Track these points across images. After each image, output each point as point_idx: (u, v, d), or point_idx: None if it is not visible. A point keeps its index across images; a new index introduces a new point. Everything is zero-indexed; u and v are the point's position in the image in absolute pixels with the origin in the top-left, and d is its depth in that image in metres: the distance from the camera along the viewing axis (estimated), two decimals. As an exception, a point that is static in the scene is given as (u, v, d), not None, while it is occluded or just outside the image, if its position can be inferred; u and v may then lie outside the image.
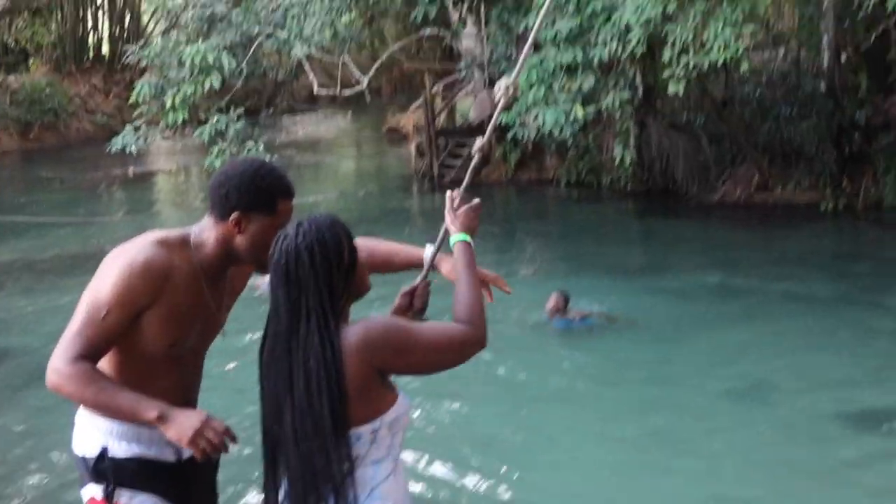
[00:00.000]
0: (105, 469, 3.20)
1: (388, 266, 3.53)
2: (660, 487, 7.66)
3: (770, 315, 11.86)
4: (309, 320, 2.88)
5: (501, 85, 3.66)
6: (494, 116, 3.72)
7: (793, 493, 7.48)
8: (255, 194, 3.14)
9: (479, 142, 3.65)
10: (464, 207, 3.31)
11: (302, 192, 23.42)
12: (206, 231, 3.22)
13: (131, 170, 27.45)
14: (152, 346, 3.17)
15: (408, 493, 3.15)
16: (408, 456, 7.87)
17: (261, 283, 12.29)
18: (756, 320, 11.65)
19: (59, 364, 3.02)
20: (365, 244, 3.40)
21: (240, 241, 3.18)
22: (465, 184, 3.52)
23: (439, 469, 8.06)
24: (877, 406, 8.98)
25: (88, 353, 3.04)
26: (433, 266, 3.52)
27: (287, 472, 2.99)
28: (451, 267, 3.42)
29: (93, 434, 3.23)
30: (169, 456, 3.27)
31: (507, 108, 17.58)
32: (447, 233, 3.33)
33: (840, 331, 11.20)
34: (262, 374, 3.03)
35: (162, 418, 2.98)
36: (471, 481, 7.96)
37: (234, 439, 3.04)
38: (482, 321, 3.06)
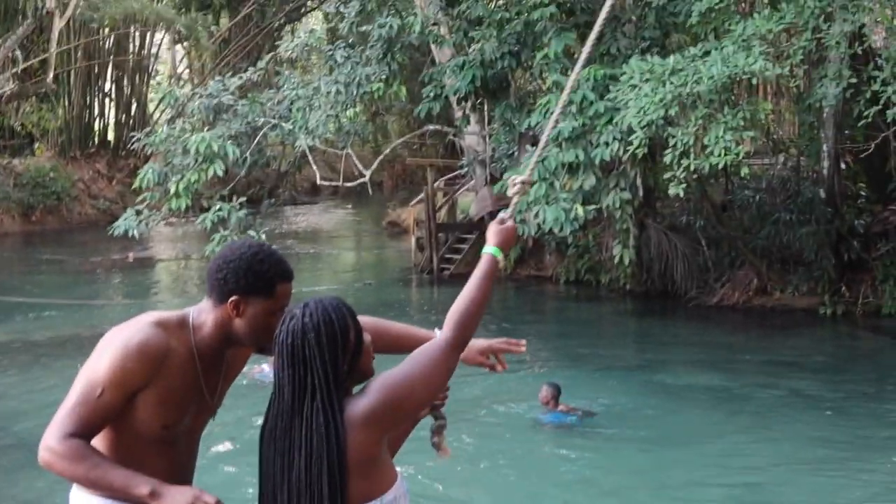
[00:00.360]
0: None
1: (398, 348, 3.52)
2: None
3: (765, 419, 11.81)
4: (314, 399, 2.90)
5: (517, 180, 3.70)
6: (511, 207, 3.76)
7: None
8: (254, 278, 3.15)
9: (521, 178, 3.71)
10: (509, 224, 3.40)
11: (301, 281, 23.42)
12: (204, 313, 3.23)
13: (131, 255, 27.51)
14: (146, 426, 3.17)
15: None
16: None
17: (258, 371, 12.25)
18: (751, 424, 11.60)
19: (51, 441, 3.01)
20: (374, 325, 3.45)
21: (238, 324, 3.19)
22: (511, 210, 3.62)
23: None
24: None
25: (81, 431, 3.03)
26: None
27: None
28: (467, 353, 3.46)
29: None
30: None
31: (504, 203, 17.71)
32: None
33: (835, 437, 11.16)
34: (262, 455, 3.03)
35: (154, 494, 2.97)
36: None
37: None
38: (471, 326, 3.08)
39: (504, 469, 10.53)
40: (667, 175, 14.72)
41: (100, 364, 3.08)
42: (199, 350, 3.21)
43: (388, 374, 2.96)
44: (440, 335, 3.05)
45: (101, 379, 3.05)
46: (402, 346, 3.55)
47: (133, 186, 18.09)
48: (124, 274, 25.74)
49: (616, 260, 18.03)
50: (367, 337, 3.08)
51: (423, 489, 9.32)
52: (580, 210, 14.57)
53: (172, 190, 16.05)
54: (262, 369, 12.04)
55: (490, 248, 3.29)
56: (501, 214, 3.48)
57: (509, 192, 3.74)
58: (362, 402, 2.90)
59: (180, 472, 3.35)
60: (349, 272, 26.96)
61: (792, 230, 18.17)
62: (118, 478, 3.01)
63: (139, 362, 3.07)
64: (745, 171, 14.59)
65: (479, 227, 22.89)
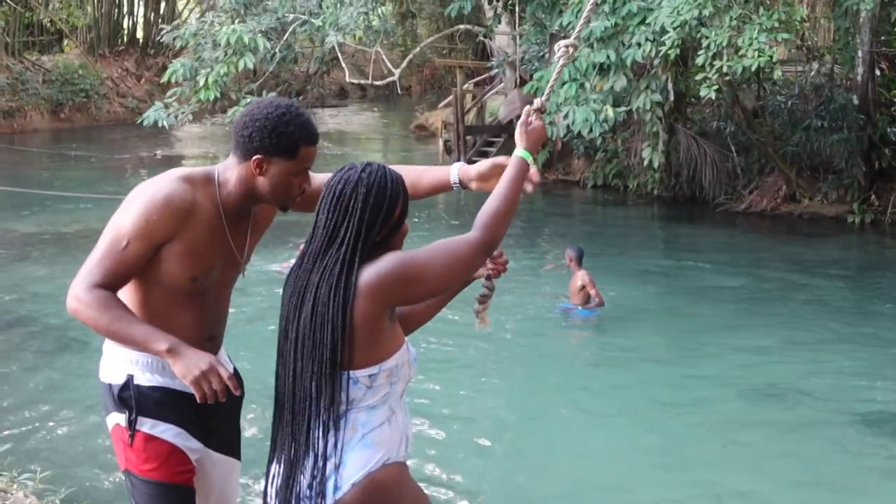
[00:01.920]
0: (129, 397, 3.23)
1: (414, 190, 3.45)
2: (672, 476, 7.69)
3: (791, 321, 11.83)
4: (339, 248, 2.91)
5: (561, 44, 3.63)
6: (555, 73, 3.71)
7: (804, 488, 7.49)
8: (278, 139, 3.14)
9: (538, 101, 3.63)
10: (537, 124, 3.34)
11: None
12: (228, 170, 3.23)
13: (159, 152, 27.59)
14: (175, 279, 3.19)
15: (403, 443, 3.11)
16: (418, 438, 7.91)
17: (285, 266, 12.40)
18: (777, 326, 11.62)
19: (78, 290, 3.05)
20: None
21: (261, 182, 3.19)
22: (539, 101, 3.48)
23: (448, 450, 8.11)
24: (893, 411, 9.00)
25: (107, 282, 3.06)
26: (462, 184, 3.49)
27: (281, 398, 3.03)
28: (482, 183, 3.44)
29: (119, 363, 3.26)
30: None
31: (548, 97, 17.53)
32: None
33: (859, 341, 11.17)
34: (284, 288, 3.07)
35: (171, 352, 2.99)
36: (480, 463, 8.00)
37: (236, 389, 3.03)
38: (500, 228, 3.04)
39: (529, 358, 10.68)
40: (699, 77, 14.60)
41: (126, 217, 3.10)
42: (224, 205, 3.22)
43: (407, 252, 2.95)
44: (470, 234, 3.00)
45: (127, 231, 3.08)
46: (419, 186, 3.49)
47: (161, 81, 18.02)
48: (151, 170, 25.79)
49: (645, 163, 17.92)
50: (407, 225, 3.09)
51: (448, 378, 9.45)
52: (610, 111, 14.45)
53: (201, 82, 15.98)
54: (290, 264, 12.14)
55: (519, 151, 3.25)
56: (528, 108, 3.38)
57: (556, 57, 3.66)
58: (372, 269, 2.89)
59: (210, 326, 3.39)
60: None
61: (823, 137, 18.01)
62: (139, 331, 3.04)
63: (164, 215, 3.09)
64: (777, 73, 14.45)
65: (508, 129, 22.80)
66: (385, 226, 2.96)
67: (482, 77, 27.10)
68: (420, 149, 30.44)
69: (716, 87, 13.88)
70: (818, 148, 18.25)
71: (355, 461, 2.96)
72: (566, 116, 14.66)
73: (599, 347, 11.26)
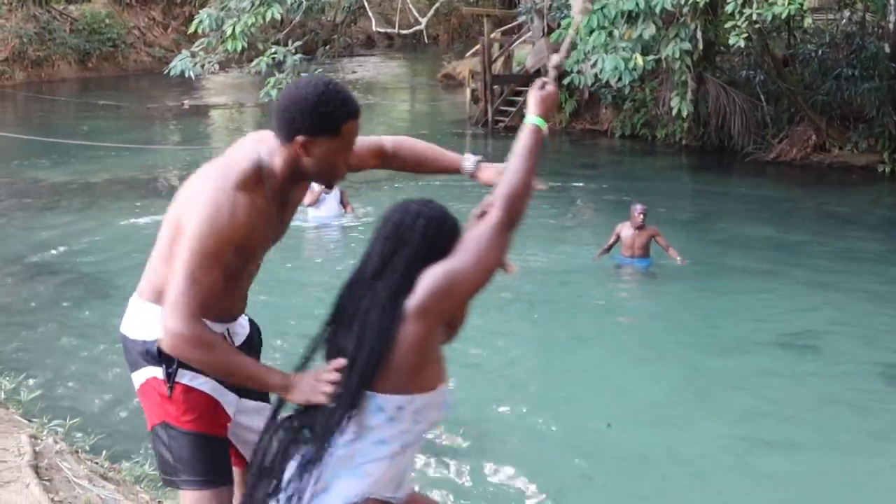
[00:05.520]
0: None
1: (421, 166, 3.58)
2: (702, 423, 7.72)
3: (819, 271, 11.81)
4: (391, 277, 2.93)
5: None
6: (574, 23, 3.68)
7: (834, 437, 7.51)
8: (319, 119, 3.13)
9: (556, 58, 3.59)
10: (551, 89, 3.26)
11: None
12: (274, 156, 3.23)
13: (186, 102, 27.60)
14: (231, 267, 3.22)
15: (402, 480, 3.05)
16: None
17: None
18: (806, 274, 11.60)
19: (178, 328, 3.04)
20: (400, 140, 3.57)
21: (307, 162, 3.20)
22: (551, 76, 3.42)
23: (485, 398, 8.15)
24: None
25: (199, 312, 3.08)
26: (472, 174, 3.56)
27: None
28: (491, 175, 3.50)
29: (153, 320, 3.27)
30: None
31: (567, 55, 17.44)
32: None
33: (889, 289, 11.13)
34: (335, 307, 3.08)
35: (286, 387, 3.06)
36: (516, 410, 8.05)
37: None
38: (520, 203, 2.98)
39: (565, 306, 10.76)
40: (728, 25, 14.46)
41: (199, 243, 3.08)
42: (273, 193, 3.25)
43: (438, 266, 2.92)
44: (490, 217, 2.95)
45: (204, 260, 3.07)
46: (425, 164, 3.63)
47: (188, 31, 17.95)
48: (179, 120, 25.87)
49: (674, 111, 17.78)
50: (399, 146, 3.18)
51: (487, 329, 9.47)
52: (639, 60, 14.31)
53: (228, 32, 15.93)
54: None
55: (533, 119, 3.14)
56: (542, 79, 3.30)
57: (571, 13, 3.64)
58: (414, 294, 2.88)
59: (245, 295, 3.47)
60: (403, 123, 26.90)
61: (854, 86, 17.83)
62: (254, 369, 3.13)
63: (235, 233, 3.10)
64: (808, 21, 14.34)
65: (535, 79, 22.69)
66: (435, 259, 2.94)
67: (510, 25, 26.86)
68: (447, 98, 30.35)
69: (745, 35, 13.75)
70: (848, 97, 18.08)
71: (340, 489, 2.93)
72: (594, 65, 14.55)
73: (629, 296, 11.33)
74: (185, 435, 3.30)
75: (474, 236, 2.94)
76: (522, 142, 3.07)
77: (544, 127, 3.13)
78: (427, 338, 2.89)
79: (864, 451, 7.34)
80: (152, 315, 3.28)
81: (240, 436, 3.47)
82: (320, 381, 3.00)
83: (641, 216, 11.61)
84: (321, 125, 3.14)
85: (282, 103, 3.19)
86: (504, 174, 3.04)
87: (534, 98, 3.22)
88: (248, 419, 3.47)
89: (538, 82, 3.28)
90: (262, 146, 3.27)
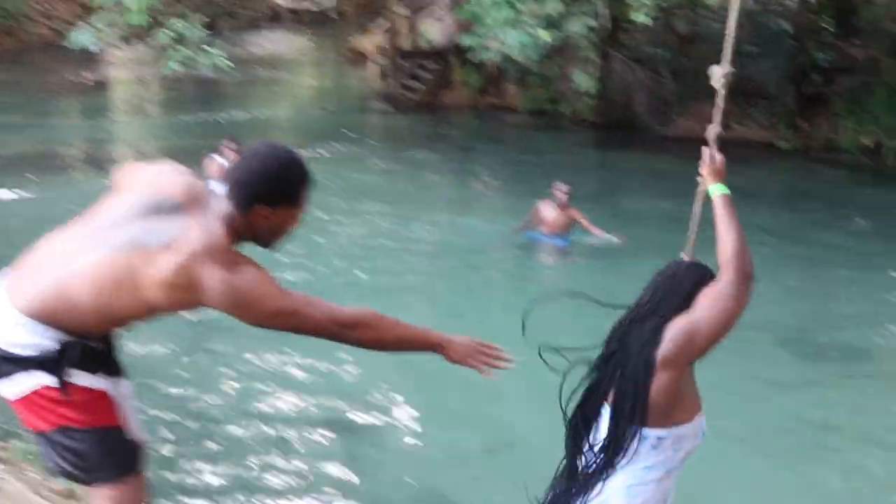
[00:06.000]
0: (53, 359, 3.20)
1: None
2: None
3: (714, 242, 11.96)
4: (657, 319, 3.27)
5: (720, 74, 4.06)
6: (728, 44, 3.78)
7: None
8: (281, 190, 3.23)
9: (720, 70, 4.00)
10: (719, 158, 3.77)
11: (259, 106, 23.17)
12: (232, 220, 3.23)
13: (89, 76, 27.07)
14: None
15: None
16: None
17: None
18: (702, 247, 11.74)
19: (346, 319, 3.25)
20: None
21: (263, 229, 3.29)
22: (712, 145, 3.89)
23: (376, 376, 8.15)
24: (821, 340, 9.25)
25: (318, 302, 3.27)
26: (437, 349, 3.47)
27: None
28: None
29: (31, 331, 3.19)
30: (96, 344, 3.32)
31: (467, 30, 17.48)
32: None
33: (785, 263, 11.38)
34: (609, 340, 3.42)
35: (443, 346, 3.39)
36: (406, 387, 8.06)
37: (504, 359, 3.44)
38: (745, 259, 3.32)
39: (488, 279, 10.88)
40: (633, 1, 14.60)
41: (253, 298, 3.14)
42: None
43: (682, 318, 3.22)
44: (722, 281, 3.25)
45: (264, 292, 3.15)
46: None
47: (90, 4, 17.62)
48: (82, 95, 25.38)
49: (580, 89, 17.93)
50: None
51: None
52: (545, 35, 14.41)
53: (133, 7, 15.67)
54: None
55: (719, 189, 3.62)
56: (709, 150, 3.82)
57: (714, 84, 4.08)
58: (661, 347, 3.21)
59: None
60: (308, 98, 26.71)
61: (755, 63, 18.11)
62: (415, 329, 3.39)
63: (258, 266, 3.18)
64: (711, 0, 14.48)
65: (442, 54, 22.67)
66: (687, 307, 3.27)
67: (417, 1, 26.78)
68: (353, 74, 30.13)
69: (650, 12, 13.89)
70: (750, 75, 18.35)
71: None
72: (502, 42, 14.60)
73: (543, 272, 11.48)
74: (91, 433, 3.29)
75: (714, 295, 3.24)
76: (723, 210, 3.54)
77: (728, 191, 3.62)
78: (675, 382, 3.22)
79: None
80: (31, 328, 3.18)
81: (126, 415, 3.42)
82: (479, 352, 3.39)
83: (566, 196, 11.69)
84: (283, 196, 3.24)
85: (241, 174, 3.23)
86: (718, 241, 3.41)
87: (707, 171, 3.76)
88: (125, 396, 3.44)
89: (706, 156, 3.80)
90: (218, 219, 3.24)
